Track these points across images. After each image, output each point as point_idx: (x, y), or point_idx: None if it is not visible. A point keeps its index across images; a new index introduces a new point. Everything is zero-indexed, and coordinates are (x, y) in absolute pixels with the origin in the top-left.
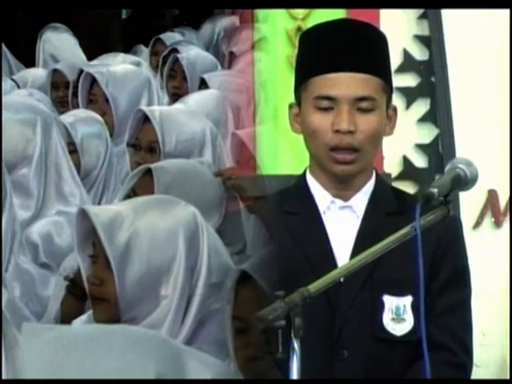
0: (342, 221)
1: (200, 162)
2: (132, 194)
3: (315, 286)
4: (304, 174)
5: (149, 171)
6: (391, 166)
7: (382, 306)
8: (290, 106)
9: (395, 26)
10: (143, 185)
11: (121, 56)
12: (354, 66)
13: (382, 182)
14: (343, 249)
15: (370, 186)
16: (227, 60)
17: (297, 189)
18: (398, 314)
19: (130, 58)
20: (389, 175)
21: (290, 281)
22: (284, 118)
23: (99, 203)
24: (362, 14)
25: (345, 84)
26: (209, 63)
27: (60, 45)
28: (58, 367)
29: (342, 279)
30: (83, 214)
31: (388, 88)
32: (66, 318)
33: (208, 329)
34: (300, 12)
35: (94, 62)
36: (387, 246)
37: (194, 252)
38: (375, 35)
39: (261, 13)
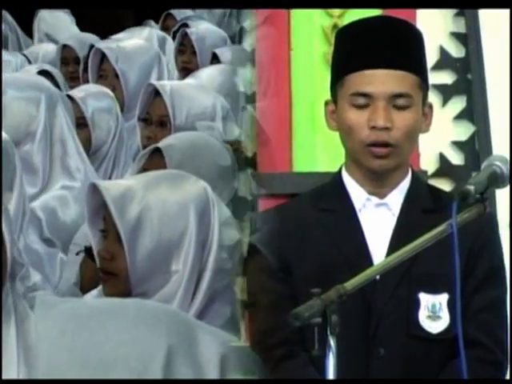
0: (378, 218)
1: (210, 127)
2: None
3: (351, 284)
4: (340, 172)
5: (158, 149)
6: (427, 163)
7: (417, 303)
8: (326, 103)
9: (432, 23)
10: (153, 164)
11: (147, 30)
12: (390, 63)
13: (418, 179)
14: (379, 246)
15: (405, 184)
16: (238, 35)
17: (332, 186)
18: (433, 312)
19: (157, 32)
20: (425, 172)
21: (326, 278)
22: (320, 115)
23: (109, 178)
24: (398, 11)
25: (381, 81)
26: (218, 38)
27: (55, 23)
28: (70, 339)
29: (377, 277)
30: (94, 189)
31: (424, 85)
32: (85, 280)
33: (218, 304)
34: (336, 9)
35: (121, 34)
36: (423, 243)
37: (204, 226)
38: (411, 32)
39: (297, 10)
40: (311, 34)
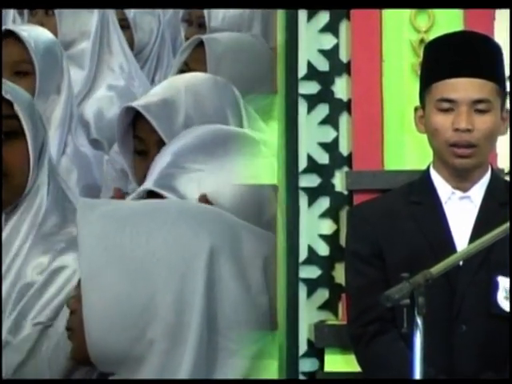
0: (461, 210)
1: (252, 36)
2: (185, 67)
3: (437, 269)
4: (428, 169)
5: (201, 44)
6: (504, 161)
7: (496, 285)
8: (416, 109)
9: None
10: (195, 57)
11: None
12: (471, 72)
13: (497, 175)
14: (462, 235)
15: (486, 179)
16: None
17: (421, 182)
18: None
19: None
20: (502, 170)
21: (414, 264)
22: (409, 120)
23: (153, 79)
24: (478, 16)
25: (464, 88)
26: None
27: None
28: (111, 240)
29: (460, 262)
30: (126, 110)
31: (502, 92)
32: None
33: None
34: (423, 25)
35: None
36: (501, 233)
37: None
38: (490, 45)
39: (387, 25)
40: (401, 47)
